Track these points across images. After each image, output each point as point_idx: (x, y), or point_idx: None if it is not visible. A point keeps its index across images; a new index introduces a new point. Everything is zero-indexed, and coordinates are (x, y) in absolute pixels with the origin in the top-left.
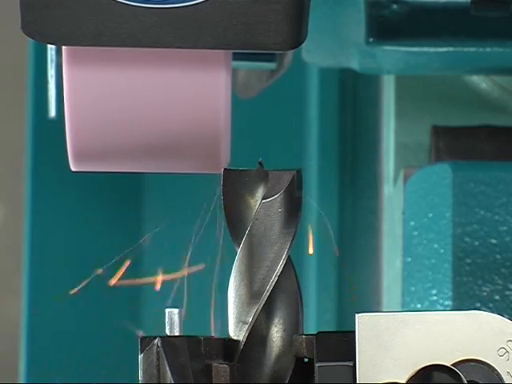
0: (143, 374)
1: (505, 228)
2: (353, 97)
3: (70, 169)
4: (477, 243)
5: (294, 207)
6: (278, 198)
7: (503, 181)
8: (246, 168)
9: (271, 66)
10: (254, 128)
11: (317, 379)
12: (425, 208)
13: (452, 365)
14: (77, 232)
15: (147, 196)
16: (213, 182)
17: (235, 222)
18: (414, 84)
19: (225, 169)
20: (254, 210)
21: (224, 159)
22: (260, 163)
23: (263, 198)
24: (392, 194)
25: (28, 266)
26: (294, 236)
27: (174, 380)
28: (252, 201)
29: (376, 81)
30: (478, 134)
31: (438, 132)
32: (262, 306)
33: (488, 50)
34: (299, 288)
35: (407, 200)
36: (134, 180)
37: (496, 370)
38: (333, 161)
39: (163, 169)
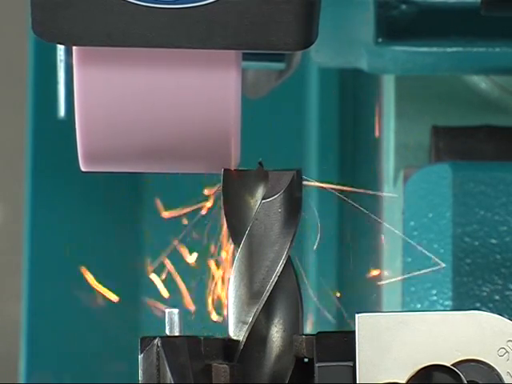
0: (143, 374)
1: (505, 228)
2: (353, 97)
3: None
4: (477, 243)
5: (294, 207)
6: (277, 197)
7: (503, 181)
8: (245, 168)
9: (280, 66)
10: (254, 128)
11: (317, 379)
12: (425, 208)
13: (452, 365)
14: (77, 232)
15: (147, 196)
16: (213, 181)
17: (235, 222)
18: (414, 84)
19: (225, 169)
20: (254, 210)
21: (234, 159)
22: (260, 163)
23: (263, 198)
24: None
25: (28, 266)
26: (293, 236)
27: (174, 380)
28: (252, 201)
29: (376, 81)
30: (478, 134)
31: (438, 132)
32: (262, 306)
33: (497, 50)
34: (299, 288)
35: (407, 200)
36: (134, 180)
37: (496, 370)
38: (333, 161)
39: (173, 169)
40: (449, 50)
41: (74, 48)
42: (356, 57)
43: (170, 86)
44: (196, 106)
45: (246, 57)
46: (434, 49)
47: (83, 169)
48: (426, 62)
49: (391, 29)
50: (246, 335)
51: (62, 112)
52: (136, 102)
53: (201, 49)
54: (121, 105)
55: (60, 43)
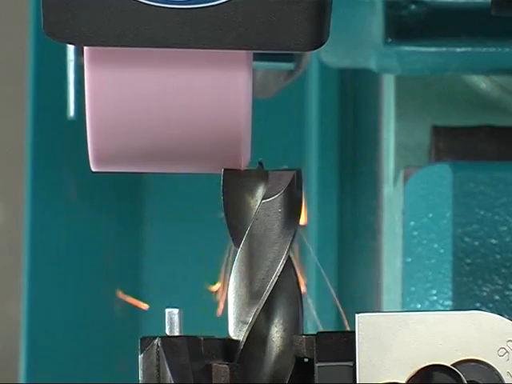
0: (143, 374)
1: (505, 228)
2: (353, 97)
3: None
4: (477, 243)
5: (294, 207)
6: (278, 197)
7: (503, 181)
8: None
9: (289, 66)
10: (254, 128)
11: (317, 379)
12: (425, 208)
13: (452, 365)
14: (77, 232)
15: (147, 196)
16: (213, 182)
17: (235, 222)
18: (414, 84)
19: (225, 169)
20: (254, 210)
21: (245, 160)
22: (260, 163)
23: (263, 198)
24: (392, 194)
25: (28, 266)
26: (293, 236)
27: (174, 380)
28: (252, 201)
29: (376, 81)
30: (478, 134)
31: (438, 132)
32: (262, 306)
33: (507, 50)
34: (299, 288)
35: (407, 200)
36: (134, 180)
37: (496, 370)
38: (333, 161)
39: (183, 170)
40: (458, 50)
41: (85, 48)
42: (365, 57)
43: (180, 86)
44: (206, 106)
45: (256, 57)
46: (444, 49)
47: (94, 169)
48: (436, 62)
49: (400, 29)
50: (246, 335)
51: (71, 112)
52: (146, 102)
53: (211, 49)
54: (131, 105)
55: (71, 43)
